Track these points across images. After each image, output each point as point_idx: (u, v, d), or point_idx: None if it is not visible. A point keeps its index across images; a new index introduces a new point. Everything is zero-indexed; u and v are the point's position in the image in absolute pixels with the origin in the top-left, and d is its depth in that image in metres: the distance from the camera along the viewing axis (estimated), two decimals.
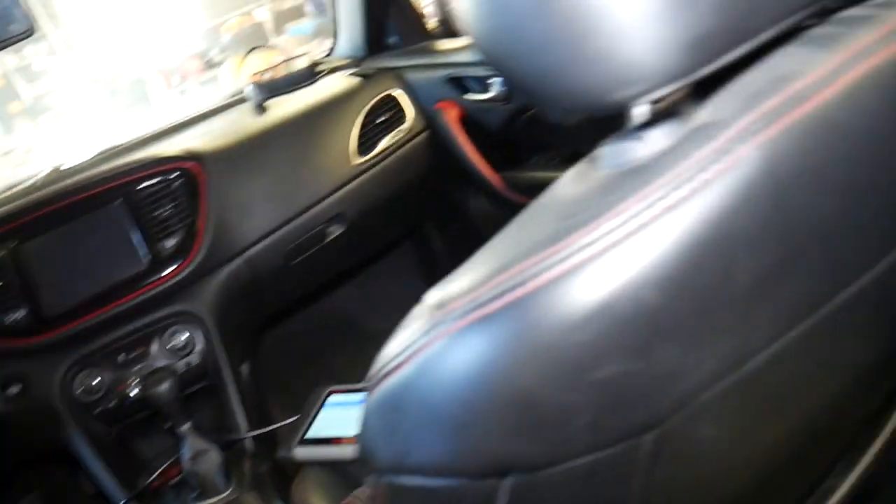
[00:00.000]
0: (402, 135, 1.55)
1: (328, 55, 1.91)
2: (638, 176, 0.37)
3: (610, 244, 0.35)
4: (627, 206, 0.35)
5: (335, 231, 1.48)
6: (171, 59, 4.61)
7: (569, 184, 0.42)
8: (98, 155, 1.43)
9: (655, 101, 0.39)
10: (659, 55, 0.35)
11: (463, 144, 1.49)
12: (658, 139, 0.39)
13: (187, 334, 1.30)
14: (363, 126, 1.50)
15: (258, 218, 1.37)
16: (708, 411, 0.41)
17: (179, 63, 4.59)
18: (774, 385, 0.44)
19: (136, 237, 1.23)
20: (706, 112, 0.39)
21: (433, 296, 0.41)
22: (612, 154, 0.41)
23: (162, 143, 1.46)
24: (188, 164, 1.29)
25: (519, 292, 0.35)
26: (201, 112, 1.62)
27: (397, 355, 0.41)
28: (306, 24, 4.26)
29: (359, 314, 1.91)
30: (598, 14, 0.35)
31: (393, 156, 1.53)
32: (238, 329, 1.40)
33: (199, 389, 1.32)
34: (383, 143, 1.52)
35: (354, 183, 1.47)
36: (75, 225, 1.21)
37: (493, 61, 0.41)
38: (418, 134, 1.55)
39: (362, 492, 0.86)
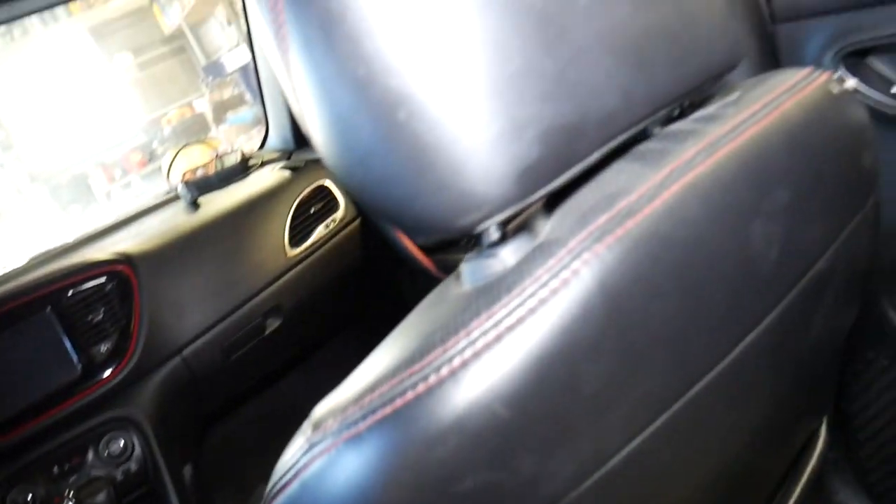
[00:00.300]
0: (335, 224, 1.59)
1: (260, 148, 1.96)
2: (488, 293, 0.40)
3: (461, 363, 0.37)
4: (478, 324, 0.38)
5: (273, 323, 1.49)
6: (113, 153, 4.62)
7: (433, 300, 0.46)
8: (29, 261, 1.43)
9: (505, 221, 0.43)
10: (492, 185, 0.39)
11: (394, 229, 1.53)
12: (509, 256, 0.42)
13: (124, 440, 1.28)
14: (295, 217, 1.54)
15: (194, 315, 1.37)
16: None
17: (121, 157, 4.61)
18: (644, 476, 0.46)
19: (68, 344, 1.23)
20: (548, 230, 0.43)
21: (317, 411, 0.44)
22: (471, 271, 0.44)
23: (94, 245, 1.47)
24: (119, 267, 1.29)
25: (386, 410, 0.38)
26: (135, 212, 1.64)
27: (284, 474, 0.43)
28: (246, 112, 4.33)
29: (306, 402, 1.89)
30: (435, 149, 0.38)
31: (327, 245, 1.56)
32: (178, 430, 1.39)
33: (138, 497, 1.29)
34: (317, 234, 1.55)
35: (290, 274, 1.49)
36: (5, 335, 1.21)
37: (351, 192, 0.44)
38: (351, 221, 1.59)
39: None
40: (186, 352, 1.36)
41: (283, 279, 1.48)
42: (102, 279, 1.28)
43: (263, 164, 1.75)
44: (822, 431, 0.81)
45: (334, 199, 1.59)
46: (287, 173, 1.61)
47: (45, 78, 4.74)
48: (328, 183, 1.59)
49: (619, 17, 0.43)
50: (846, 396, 1.15)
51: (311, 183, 1.57)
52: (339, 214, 1.58)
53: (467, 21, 0.38)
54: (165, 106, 4.64)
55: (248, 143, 2.56)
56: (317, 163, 1.62)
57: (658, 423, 0.44)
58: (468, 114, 0.38)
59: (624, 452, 0.43)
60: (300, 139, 1.71)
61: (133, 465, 1.28)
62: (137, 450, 1.28)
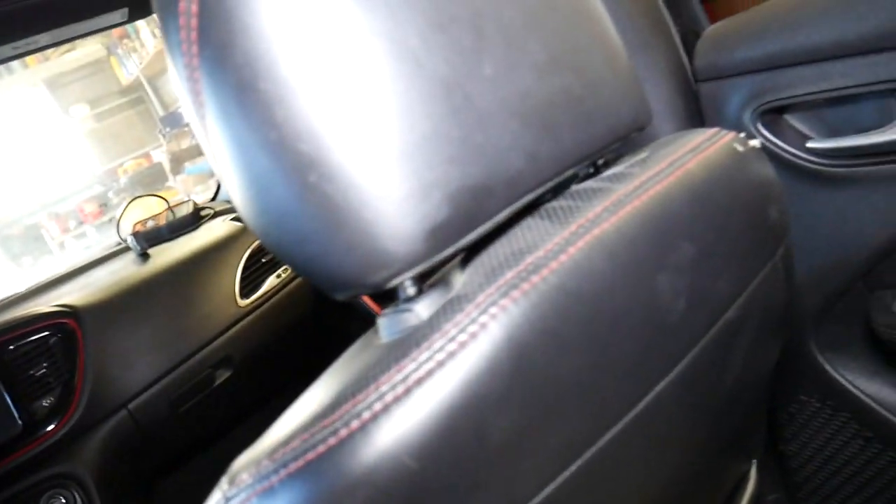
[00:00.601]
0: (286, 273, 1.59)
1: (213, 199, 1.96)
2: (399, 347, 0.41)
3: (371, 416, 0.38)
4: (388, 378, 0.39)
5: (223, 374, 1.48)
6: (67, 203, 4.58)
7: (352, 353, 0.47)
8: None
9: (422, 276, 0.45)
10: (402, 243, 0.41)
11: None
12: (423, 311, 0.44)
13: (65, 498, 1.25)
14: (246, 268, 1.54)
15: (141, 368, 1.36)
16: None
17: (76, 207, 4.56)
18: None
19: (8, 399, 1.20)
20: (459, 285, 0.45)
21: (234, 464, 0.44)
22: (387, 325, 0.45)
23: (41, 297, 1.46)
24: (63, 320, 1.28)
25: (299, 463, 0.38)
26: (83, 263, 1.63)
27: None
28: (203, 162, 4.34)
29: None
30: (346, 210, 0.40)
31: (278, 295, 1.57)
32: (124, 485, 1.36)
33: None
34: (268, 284, 1.56)
35: (240, 325, 1.49)
36: None
37: (269, 249, 0.46)
38: None
39: None
40: (132, 405, 1.34)
41: (233, 330, 1.47)
42: (46, 332, 1.27)
43: (216, 214, 1.75)
44: (753, 473, 0.83)
45: None
46: (239, 224, 1.62)
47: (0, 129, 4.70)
48: None
49: (523, 85, 0.46)
50: (782, 439, 1.18)
51: None
52: None
53: (376, 89, 0.40)
54: (122, 156, 4.63)
55: (205, 193, 2.57)
56: None
57: (570, 470, 0.45)
58: (377, 176, 0.40)
59: (535, 501, 0.44)
60: None
61: None
62: None
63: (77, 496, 1.26)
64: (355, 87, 0.40)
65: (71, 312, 1.30)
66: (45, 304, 1.33)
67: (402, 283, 0.44)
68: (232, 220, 1.66)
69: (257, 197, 0.42)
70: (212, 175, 3.95)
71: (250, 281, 1.55)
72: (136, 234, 1.55)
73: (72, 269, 1.60)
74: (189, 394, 1.42)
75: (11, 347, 1.24)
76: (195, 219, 1.70)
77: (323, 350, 1.87)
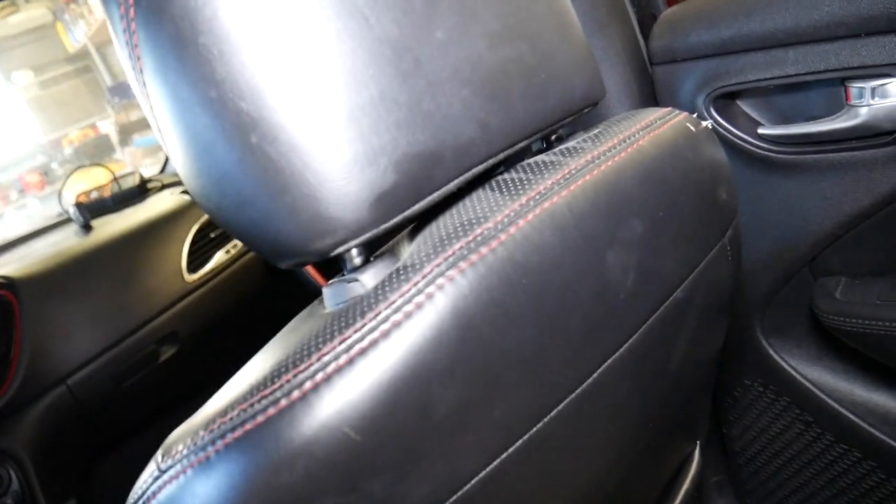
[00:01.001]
0: (235, 249, 1.56)
1: (161, 172, 1.91)
2: (343, 317, 0.40)
3: (312, 386, 0.37)
4: (331, 348, 0.38)
5: (168, 351, 1.45)
6: (8, 173, 4.41)
7: (295, 324, 0.46)
8: None
9: (369, 246, 0.44)
10: (347, 210, 0.40)
11: None
12: (369, 281, 0.43)
13: (0, 475, 1.21)
14: (194, 242, 1.50)
15: (81, 342, 1.32)
16: None
17: (17, 177, 4.40)
18: (503, 500, 0.46)
19: None
20: (406, 255, 0.44)
21: (170, 437, 0.43)
22: (332, 294, 0.44)
23: None
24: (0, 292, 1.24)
25: (237, 434, 0.37)
26: (22, 235, 1.57)
27: (135, 502, 0.42)
28: (153, 135, 4.18)
29: None
30: (289, 173, 0.38)
31: (227, 271, 1.53)
32: (62, 463, 1.32)
33: None
34: (216, 259, 1.52)
35: (187, 300, 1.45)
36: None
37: (209, 213, 0.44)
38: None
39: None
40: (72, 380, 1.30)
41: (179, 305, 1.44)
42: None
43: (164, 187, 1.71)
44: (696, 455, 0.85)
45: None
46: (187, 197, 1.58)
47: None
48: None
49: (474, 51, 0.45)
50: (726, 422, 1.20)
51: None
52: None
53: (322, 47, 0.38)
54: (67, 126, 4.47)
55: (154, 167, 2.51)
56: None
57: (516, 445, 0.45)
58: (322, 139, 0.38)
59: (481, 475, 0.43)
60: None
61: (9, 501, 1.21)
62: (14, 484, 1.22)
63: (12, 473, 1.22)
64: (300, 44, 0.38)
65: (7, 284, 1.25)
66: None
67: (347, 252, 0.43)
68: (182, 192, 1.61)
69: (197, 158, 0.40)
70: (161, 148, 3.85)
71: (198, 256, 1.51)
72: (78, 205, 1.50)
73: (9, 240, 1.55)
74: (132, 370, 1.39)
75: None
76: (141, 191, 1.65)
77: (273, 327, 1.84)
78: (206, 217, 1.53)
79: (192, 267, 1.49)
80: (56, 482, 1.28)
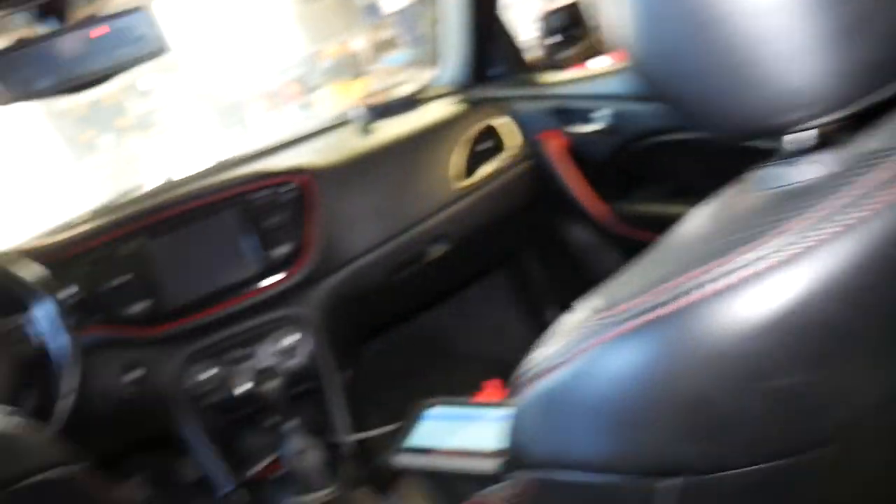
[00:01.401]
0: (505, 162, 1.60)
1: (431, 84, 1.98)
2: (799, 199, 0.38)
3: (777, 262, 0.35)
4: (791, 227, 0.36)
5: (436, 251, 1.52)
6: (272, 82, 4.82)
7: (723, 206, 0.44)
8: (211, 167, 1.53)
9: (816, 129, 0.42)
10: (821, 83, 0.37)
11: (566, 174, 1.52)
12: (816, 166, 0.40)
13: (295, 337, 1.36)
14: (464, 151, 1.55)
15: (364, 232, 1.43)
16: (881, 433, 0.41)
17: (279, 87, 4.80)
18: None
19: (247, 244, 1.31)
20: (873, 140, 0.40)
21: (592, 303, 0.44)
22: (768, 178, 0.42)
23: (271, 158, 1.56)
24: (299, 178, 1.36)
25: (685, 300, 0.37)
26: (307, 132, 1.71)
27: (553, 357, 0.43)
28: (400, 54, 4.40)
29: (453, 335, 1.96)
30: (757, 42, 0.37)
31: (495, 182, 1.57)
32: (342, 337, 1.46)
33: (302, 391, 1.37)
34: (486, 169, 1.56)
35: (457, 206, 1.51)
36: (194, 228, 1.30)
37: (654, 84, 0.43)
38: (521, 162, 1.59)
39: (493, 493, 0.84)
40: (354, 265, 1.42)
41: (449, 209, 1.50)
42: (285, 187, 1.35)
43: (436, 97, 1.77)
44: None
45: (506, 138, 1.59)
46: (462, 107, 1.63)
47: (211, 4, 4.98)
48: (502, 122, 1.59)
49: None
50: None
51: (486, 119, 1.58)
52: (509, 153, 1.58)
53: None
54: (323, 42, 4.77)
55: (404, 85, 2.61)
56: (492, 101, 1.63)
57: None
58: (798, 9, 0.36)
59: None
60: (477, 75, 1.72)
61: (301, 361, 1.36)
62: (306, 348, 1.36)
63: (305, 336, 1.36)
64: None
65: (306, 171, 1.37)
66: (278, 163, 1.41)
67: (800, 133, 0.41)
68: (454, 103, 1.66)
69: (652, 28, 0.40)
70: (407, 67, 4.01)
71: (469, 164, 1.56)
72: (365, 107, 1.60)
73: (297, 135, 1.69)
74: (404, 264, 1.48)
75: (252, 198, 1.33)
76: (414, 100, 1.72)
77: (532, 245, 1.88)
78: (479, 128, 1.57)
79: (461, 175, 1.55)
80: (337, 353, 1.41)
